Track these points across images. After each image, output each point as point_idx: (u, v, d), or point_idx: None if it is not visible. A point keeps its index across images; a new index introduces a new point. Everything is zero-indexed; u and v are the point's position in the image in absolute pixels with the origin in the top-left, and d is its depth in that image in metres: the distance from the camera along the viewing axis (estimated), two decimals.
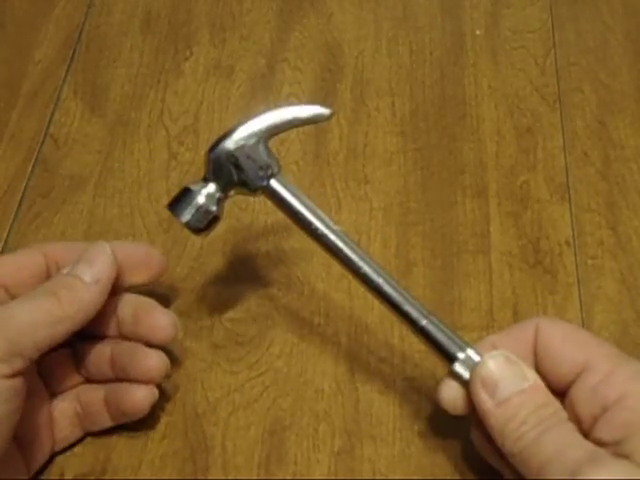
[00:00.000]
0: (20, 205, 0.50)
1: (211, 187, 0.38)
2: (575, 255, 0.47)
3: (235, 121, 0.53)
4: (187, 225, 0.38)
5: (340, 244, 0.38)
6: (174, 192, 0.50)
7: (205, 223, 0.38)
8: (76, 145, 0.53)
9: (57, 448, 0.40)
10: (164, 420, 0.42)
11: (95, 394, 0.41)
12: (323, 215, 0.38)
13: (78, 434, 0.41)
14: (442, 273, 0.47)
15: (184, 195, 0.39)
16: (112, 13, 0.60)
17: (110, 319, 0.41)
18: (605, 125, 0.52)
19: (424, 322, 0.36)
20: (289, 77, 0.56)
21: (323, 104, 0.38)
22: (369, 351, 0.44)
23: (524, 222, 0.48)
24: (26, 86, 0.56)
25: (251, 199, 0.50)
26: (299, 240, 0.48)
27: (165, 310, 0.41)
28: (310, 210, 0.38)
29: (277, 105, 0.38)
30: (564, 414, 0.34)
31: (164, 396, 0.42)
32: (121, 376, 0.40)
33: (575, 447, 0.32)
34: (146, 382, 0.40)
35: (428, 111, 0.54)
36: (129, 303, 0.41)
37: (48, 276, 0.40)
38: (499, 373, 0.35)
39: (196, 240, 0.48)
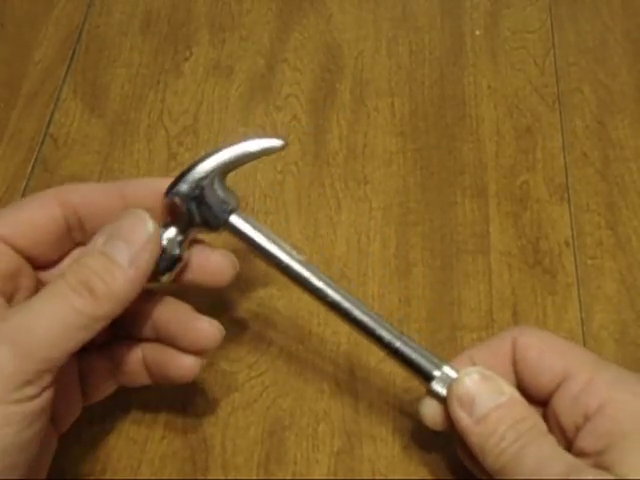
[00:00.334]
0: None
1: (171, 231, 0.37)
2: (574, 255, 0.47)
3: (235, 121, 0.54)
4: None
5: (305, 273, 0.37)
6: None
7: (169, 266, 0.37)
8: (76, 145, 0.53)
9: (90, 402, 0.38)
10: (164, 420, 0.42)
11: (132, 352, 0.38)
12: (286, 246, 0.37)
13: (111, 388, 0.39)
14: (442, 273, 0.47)
15: None
16: (112, 13, 0.60)
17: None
18: (604, 125, 0.52)
19: (398, 344, 0.36)
20: (288, 77, 0.56)
21: (278, 135, 0.38)
22: (369, 351, 0.44)
23: (523, 222, 0.49)
24: (26, 86, 0.56)
25: (250, 198, 0.50)
26: (299, 240, 0.48)
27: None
28: (273, 242, 0.37)
29: (232, 142, 0.38)
30: (543, 426, 0.34)
31: (164, 396, 0.42)
32: (167, 341, 0.37)
33: (555, 461, 0.32)
34: (194, 352, 0.37)
35: (428, 111, 0.54)
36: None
37: (69, 233, 0.36)
38: (475, 390, 0.34)
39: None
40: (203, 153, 0.52)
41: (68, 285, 0.31)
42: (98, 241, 0.33)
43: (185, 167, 0.37)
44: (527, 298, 0.46)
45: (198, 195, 0.37)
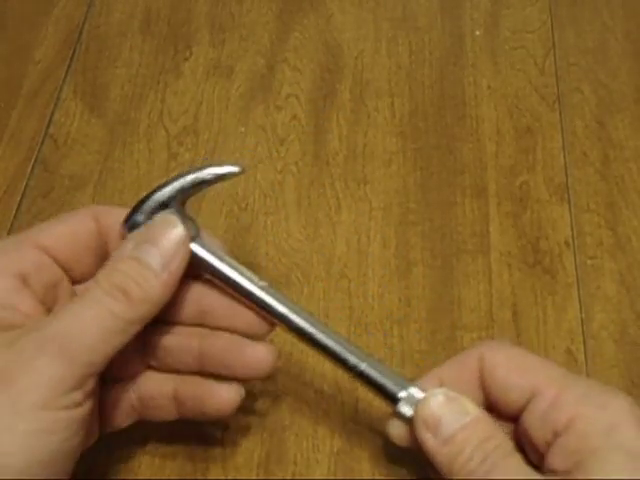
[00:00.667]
0: (20, 205, 0.50)
1: None
2: (574, 255, 0.47)
3: (235, 121, 0.54)
4: None
5: (267, 300, 0.36)
6: None
7: None
8: (76, 145, 0.53)
9: (106, 432, 0.37)
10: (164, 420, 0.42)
11: (162, 386, 0.37)
12: (248, 272, 0.36)
13: (131, 421, 0.38)
14: (441, 273, 0.47)
15: None
16: (112, 13, 0.60)
17: (188, 306, 0.36)
18: (604, 125, 0.52)
19: (363, 366, 0.36)
20: (289, 77, 0.56)
21: (236, 163, 0.37)
22: (369, 351, 0.44)
23: (523, 222, 0.49)
24: (26, 86, 0.56)
25: (250, 198, 0.50)
26: (299, 240, 0.48)
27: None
28: (234, 269, 0.36)
29: (189, 169, 0.37)
30: (509, 445, 0.33)
31: None
32: (212, 369, 0.36)
33: None
34: (244, 378, 0.36)
35: (427, 111, 0.54)
36: (215, 298, 0.36)
37: (102, 246, 0.36)
38: (440, 411, 0.34)
39: None
40: (203, 153, 0.52)
41: (102, 290, 0.32)
42: (127, 246, 0.33)
43: (140, 197, 0.36)
44: (527, 298, 0.46)
45: None
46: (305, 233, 0.49)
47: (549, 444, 0.33)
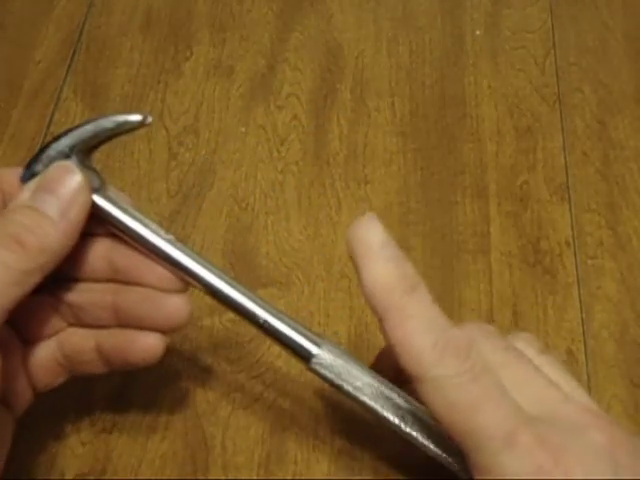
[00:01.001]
0: None
1: None
2: (575, 255, 0.47)
3: (236, 121, 0.54)
4: None
5: (173, 253, 0.35)
6: (174, 192, 0.50)
7: None
8: None
9: (41, 392, 0.37)
10: (164, 420, 0.42)
11: (83, 341, 0.36)
12: (153, 225, 0.35)
13: (63, 379, 0.37)
14: (442, 273, 0.47)
15: None
16: (112, 13, 0.60)
17: (99, 262, 0.35)
18: (605, 125, 0.52)
19: (273, 321, 0.34)
20: (289, 77, 0.56)
21: (139, 111, 0.35)
22: (369, 351, 0.44)
23: (524, 222, 0.49)
24: (26, 86, 0.56)
25: (251, 198, 0.50)
26: (299, 240, 0.48)
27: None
28: (138, 221, 0.35)
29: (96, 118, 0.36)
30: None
31: (165, 396, 0.42)
32: (128, 323, 0.35)
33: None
34: (161, 331, 0.35)
35: (428, 111, 0.54)
36: (121, 252, 0.35)
37: (3, 206, 0.34)
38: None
39: (196, 240, 0.48)
40: (203, 153, 0.52)
41: None
42: (23, 196, 0.32)
43: (38, 148, 0.35)
44: (527, 298, 0.46)
45: None
46: (305, 233, 0.49)
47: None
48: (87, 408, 0.42)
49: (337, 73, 0.56)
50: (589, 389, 0.42)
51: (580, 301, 0.45)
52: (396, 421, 0.34)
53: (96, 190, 0.34)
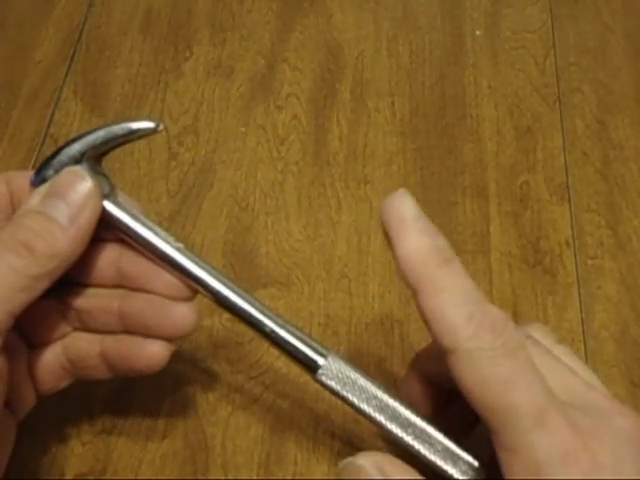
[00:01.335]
0: None
1: None
2: (575, 255, 0.47)
3: (236, 121, 0.54)
4: None
5: (183, 261, 0.35)
6: (174, 192, 0.50)
7: None
8: None
9: (45, 395, 0.37)
10: (164, 420, 0.42)
11: (89, 346, 0.36)
12: (163, 233, 0.35)
13: (67, 383, 0.37)
14: None
15: None
16: (112, 13, 0.60)
17: (107, 267, 0.35)
18: (605, 125, 0.52)
19: (281, 331, 0.34)
20: (289, 77, 0.56)
21: (151, 119, 0.36)
22: (369, 351, 0.44)
23: (524, 222, 0.49)
24: (26, 86, 0.56)
25: (251, 198, 0.50)
26: (299, 240, 0.48)
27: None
28: (148, 229, 0.35)
29: (102, 125, 0.36)
30: None
31: (165, 396, 0.42)
32: (134, 330, 0.35)
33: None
34: (167, 338, 0.35)
35: (428, 111, 0.54)
36: (132, 260, 0.35)
37: (13, 209, 0.34)
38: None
39: (196, 240, 0.48)
40: (203, 153, 0.52)
41: (4, 246, 0.30)
42: (33, 201, 0.32)
43: (49, 153, 0.35)
44: (527, 298, 0.46)
45: None
46: (305, 233, 0.49)
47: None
48: (87, 408, 0.42)
49: (337, 73, 0.56)
50: None
51: (580, 301, 0.45)
52: (400, 433, 0.34)
53: (106, 196, 0.35)
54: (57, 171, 0.34)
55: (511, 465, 0.29)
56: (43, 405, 0.37)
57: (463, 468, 0.33)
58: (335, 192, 0.50)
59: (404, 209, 0.32)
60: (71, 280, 0.35)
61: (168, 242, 0.35)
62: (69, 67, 0.57)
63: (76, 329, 0.36)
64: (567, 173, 0.50)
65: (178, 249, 0.35)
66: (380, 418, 0.34)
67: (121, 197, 0.36)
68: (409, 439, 0.34)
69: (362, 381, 0.34)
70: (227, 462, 0.41)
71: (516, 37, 0.57)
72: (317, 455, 0.41)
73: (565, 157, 0.51)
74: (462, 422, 0.36)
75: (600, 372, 0.43)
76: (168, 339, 0.35)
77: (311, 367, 0.34)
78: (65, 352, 0.36)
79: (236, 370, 0.44)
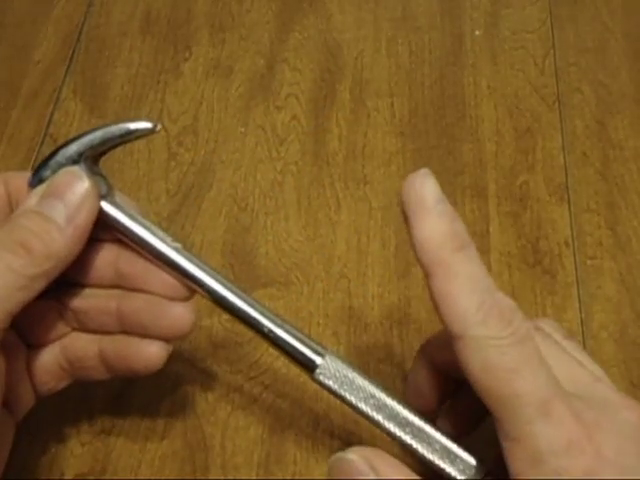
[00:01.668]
0: None
1: None
2: (574, 255, 0.47)
3: (235, 121, 0.54)
4: None
5: (180, 261, 0.35)
6: (173, 192, 0.50)
7: None
8: None
9: (43, 396, 0.37)
10: (164, 420, 0.42)
11: (87, 346, 0.36)
12: (161, 233, 0.35)
13: (65, 383, 0.37)
14: None
15: None
16: (112, 13, 0.60)
17: (104, 268, 0.35)
18: (604, 125, 0.52)
19: (279, 331, 0.34)
20: (288, 77, 0.56)
21: (151, 119, 0.35)
22: (368, 351, 0.44)
23: (523, 222, 0.49)
24: (26, 86, 0.56)
25: (250, 198, 0.50)
26: (299, 240, 0.48)
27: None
28: (146, 229, 0.35)
29: (99, 125, 0.36)
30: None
31: (164, 396, 0.42)
32: (132, 330, 0.35)
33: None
34: (164, 338, 0.35)
35: (427, 111, 0.54)
36: (131, 261, 0.35)
37: (10, 209, 0.34)
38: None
39: (195, 240, 0.48)
40: (203, 153, 0.52)
41: (2, 245, 0.31)
42: (31, 201, 0.32)
43: (47, 154, 0.35)
44: (527, 298, 0.46)
45: None
46: (305, 233, 0.49)
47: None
48: (86, 408, 0.42)
49: (337, 73, 0.56)
50: None
51: (579, 301, 0.45)
52: (398, 432, 0.34)
53: (104, 196, 0.35)
54: (55, 171, 0.34)
55: (514, 455, 0.29)
56: (42, 405, 0.38)
57: (461, 467, 0.33)
58: (334, 192, 0.50)
59: (425, 190, 0.32)
60: (69, 280, 0.35)
61: (166, 242, 0.35)
62: (68, 67, 0.57)
63: (74, 329, 0.37)
64: (567, 173, 0.50)
65: (176, 249, 0.35)
66: (378, 417, 0.34)
67: (119, 197, 0.36)
68: (407, 438, 0.34)
69: (360, 380, 0.34)
70: (226, 462, 0.41)
71: (516, 37, 0.57)
72: (316, 455, 0.41)
73: (565, 157, 0.51)
74: (470, 413, 0.36)
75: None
76: (166, 339, 0.35)
77: (309, 366, 0.34)
78: (63, 352, 0.36)
79: (235, 370, 0.44)
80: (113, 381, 0.42)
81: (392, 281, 0.47)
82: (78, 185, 0.33)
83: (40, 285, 0.31)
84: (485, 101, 0.54)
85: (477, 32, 0.57)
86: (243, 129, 0.53)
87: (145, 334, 0.35)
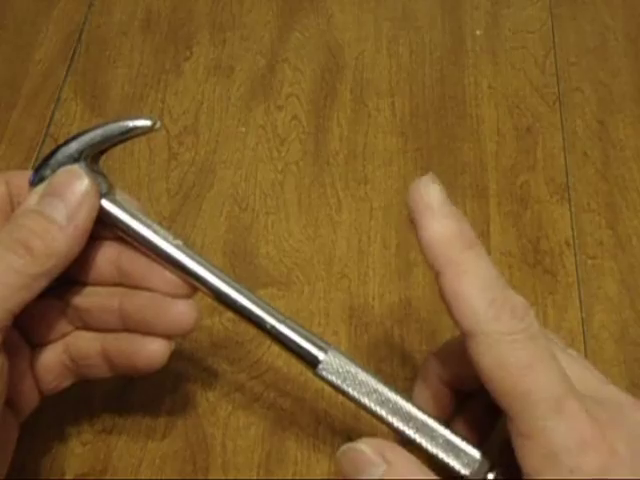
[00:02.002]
0: None
1: None
2: (575, 255, 0.47)
3: (236, 121, 0.54)
4: None
5: (182, 258, 0.35)
6: (174, 192, 0.50)
7: None
8: None
9: (48, 394, 0.37)
10: (164, 420, 0.42)
11: (90, 345, 0.36)
12: (162, 230, 0.35)
13: (69, 382, 0.37)
14: None
15: None
16: (112, 13, 0.60)
17: (106, 266, 0.35)
18: (605, 125, 0.52)
19: (281, 327, 0.34)
20: (289, 77, 0.56)
21: (148, 116, 0.35)
22: (369, 351, 0.44)
23: (524, 222, 0.49)
24: (26, 86, 0.56)
25: (251, 198, 0.50)
26: (299, 240, 0.48)
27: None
28: (147, 227, 0.35)
29: (99, 123, 0.36)
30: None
31: (165, 396, 0.42)
32: (135, 327, 0.35)
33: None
34: (167, 336, 0.35)
35: (428, 111, 0.54)
36: (131, 258, 0.35)
37: (12, 209, 0.34)
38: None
39: (196, 240, 0.48)
40: (203, 153, 0.52)
41: (3, 245, 0.31)
42: (31, 200, 0.33)
43: (47, 153, 0.35)
44: (527, 298, 0.45)
45: None
46: (306, 233, 0.49)
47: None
48: (87, 408, 0.42)
49: (337, 73, 0.56)
50: None
51: (580, 301, 0.45)
52: (401, 427, 0.34)
53: (104, 194, 0.35)
54: (55, 170, 0.34)
55: (527, 452, 0.29)
56: (43, 405, 0.37)
57: (465, 460, 0.33)
58: (335, 192, 0.50)
59: (431, 193, 0.32)
60: (71, 278, 0.35)
61: (167, 240, 0.35)
62: (69, 67, 0.57)
63: (77, 328, 0.37)
64: (567, 173, 0.50)
65: (177, 246, 0.35)
66: (381, 412, 0.34)
67: (120, 195, 0.36)
68: (411, 432, 0.34)
69: (363, 375, 0.34)
70: (227, 462, 0.41)
71: (516, 37, 0.57)
72: (317, 455, 0.41)
73: (565, 157, 0.51)
74: (478, 426, 0.36)
75: (600, 372, 0.43)
76: (168, 336, 0.35)
77: (312, 362, 0.34)
78: (67, 351, 0.36)
79: (236, 370, 0.44)
80: (114, 381, 0.42)
81: (393, 281, 0.47)
82: (78, 184, 0.33)
83: (41, 284, 0.31)
84: (486, 101, 0.54)
85: (478, 32, 0.57)
86: (244, 129, 0.53)
87: (148, 331, 0.35)
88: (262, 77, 0.56)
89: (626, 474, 0.29)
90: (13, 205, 0.35)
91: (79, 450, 0.41)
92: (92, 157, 0.35)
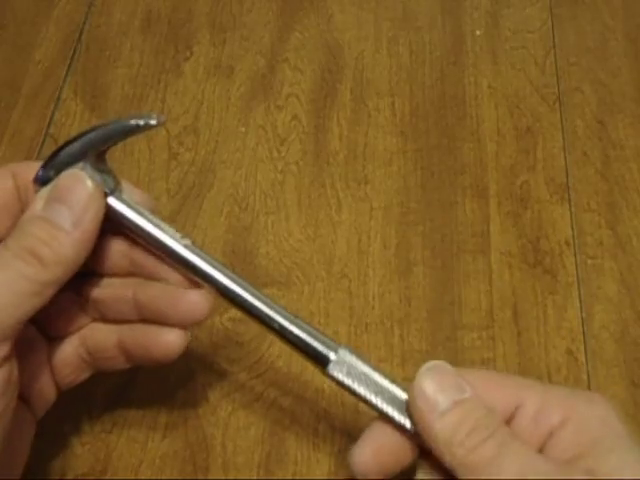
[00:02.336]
0: None
1: None
2: (575, 255, 0.47)
3: (236, 121, 0.54)
4: None
5: (190, 257, 0.35)
6: (174, 192, 0.51)
7: None
8: None
9: (65, 389, 0.37)
10: (164, 420, 0.42)
11: (106, 336, 0.36)
12: (170, 229, 0.35)
13: (86, 375, 0.38)
14: (442, 273, 0.47)
15: None
16: (112, 13, 0.60)
17: (120, 258, 0.36)
18: (605, 125, 0.52)
19: (291, 327, 0.34)
20: (289, 77, 0.56)
21: (152, 113, 0.35)
22: (369, 351, 0.44)
23: (524, 222, 0.49)
24: (26, 86, 0.56)
25: (251, 198, 0.50)
26: (299, 240, 0.48)
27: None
28: (155, 225, 0.35)
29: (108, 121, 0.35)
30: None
31: (165, 396, 0.42)
32: (150, 318, 0.35)
33: (540, 461, 0.30)
34: (181, 325, 0.35)
35: (428, 111, 0.54)
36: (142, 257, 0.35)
37: (20, 203, 0.35)
38: (438, 384, 0.32)
39: (196, 240, 0.48)
40: (203, 153, 0.52)
41: (12, 253, 0.31)
42: (37, 206, 0.33)
43: (51, 152, 0.35)
44: (527, 298, 0.46)
45: None
46: (305, 233, 0.49)
47: (543, 444, 0.32)
48: (87, 408, 0.42)
49: (337, 73, 0.56)
50: (589, 389, 0.42)
51: (580, 301, 0.45)
52: (412, 426, 0.34)
53: (111, 192, 0.35)
54: (59, 171, 0.34)
55: None
56: None
57: None
58: (335, 192, 0.50)
59: (428, 391, 0.32)
60: (85, 271, 0.35)
61: (175, 239, 0.35)
62: (69, 67, 0.57)
63: (93, 320, 0.37)
64: (567, 173, 0.50)
65: (186, 246, 0.35)
66: (393, 412, 0.34)
67: (128, 191, 0.35)
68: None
69: (373, 374, 0.34)
70: (227, 462, 0.41)
71: (516, 37, 0.57)
72: (317, 454, 0.41)
73: (565, 157, 0.51)
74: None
75: (600, 372, 0.43)
76: (183, 326, 0.35)
77: (322, 362, 0.34)
78: (83, 344, 0.36)
79: (236, 370, 0.44)
80: (114, 380, 0.42)
81: (393, 281, 0.47)
82: (81, 187, 0.33)
83: (52, 290, 0.32)
84: (486, 101, 0.54)
85: (478, 32, 0.57)
86: (244, 129, 0.53)
87: (163, 321, 0.35)
88: (262, 77, 0.56)
89: None
90: (21, 198, 0.35)
91: (79, 450, 0.41)
92: (97, 155, 0.35)
